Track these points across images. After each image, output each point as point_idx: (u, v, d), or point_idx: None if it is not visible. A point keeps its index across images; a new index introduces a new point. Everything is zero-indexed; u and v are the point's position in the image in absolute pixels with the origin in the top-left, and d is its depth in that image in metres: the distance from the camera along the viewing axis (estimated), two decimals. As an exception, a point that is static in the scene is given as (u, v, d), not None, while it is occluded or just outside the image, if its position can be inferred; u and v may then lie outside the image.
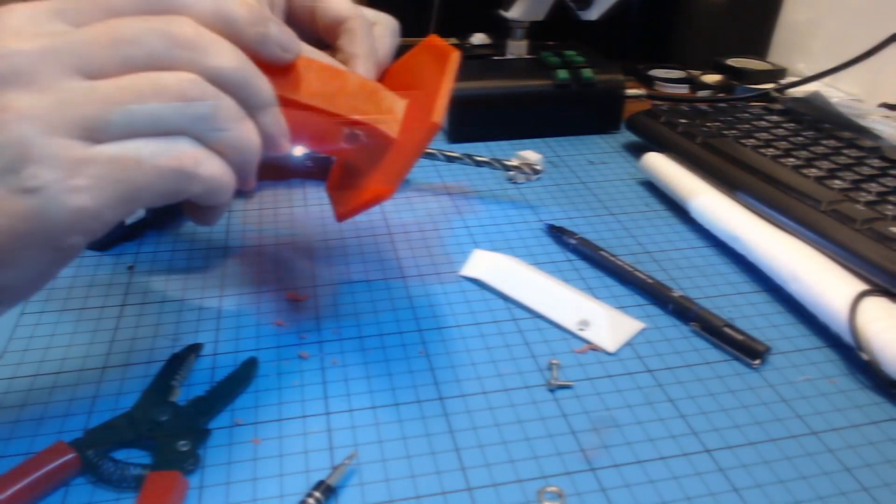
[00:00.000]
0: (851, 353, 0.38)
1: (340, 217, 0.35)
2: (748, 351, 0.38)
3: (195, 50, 0.25)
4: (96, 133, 0.23)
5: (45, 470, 0.29)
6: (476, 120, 0.64)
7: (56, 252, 0.25)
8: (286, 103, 0.30)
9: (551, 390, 0.36)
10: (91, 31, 0.24)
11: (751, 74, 0.78)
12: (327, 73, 0.32)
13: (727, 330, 0.39)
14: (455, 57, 0.33)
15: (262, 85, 0.27)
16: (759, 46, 0.87)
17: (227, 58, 0.26)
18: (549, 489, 0.30)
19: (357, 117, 0.32)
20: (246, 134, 0.27)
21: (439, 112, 0.30)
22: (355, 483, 0.30)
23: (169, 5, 0.26)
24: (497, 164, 0.55)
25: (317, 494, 0.29)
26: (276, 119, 0.29)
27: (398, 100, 0.34)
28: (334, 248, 0.48)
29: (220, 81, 0.26)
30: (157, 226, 0.49)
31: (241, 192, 0.37)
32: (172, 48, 0.25)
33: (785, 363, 0.38)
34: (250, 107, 0.27)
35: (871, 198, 0.46)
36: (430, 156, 0.55)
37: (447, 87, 0.32)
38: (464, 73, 0.64)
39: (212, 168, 0.26)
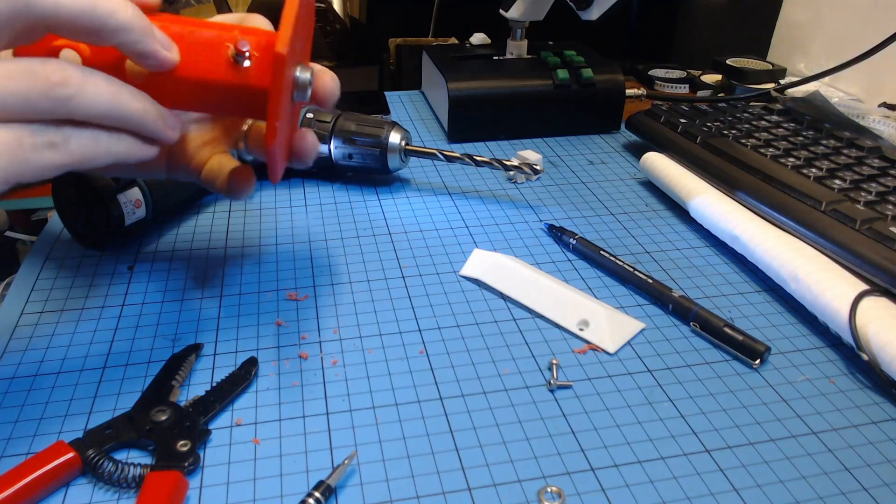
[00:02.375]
0: (851, 353, 0.38)
1: (272, 174, 0.33)
2: (748, 351, 0.38)
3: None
4: None
5: (45, 470, 0.29)
6: (476, 120, 0.64)
7: None
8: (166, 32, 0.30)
9: (551, 390, 0.36)
10: None
11: (751, 74, 0.78)
12: (201, 19, 0.32)
13: (727, 330, 0.39)
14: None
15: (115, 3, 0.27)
16: (759, 46, 0.87)
17: None
18: (549, 489, 0.30)
19: (239, 33, 0.31)
20: (107, 99, 0.27)
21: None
22: (355, 483, 0.30)
23: None
24: (497, 164, 0.55)
25: (317, 494, 0.29)
26: (144, 28, 0.28)
27: (273, 32, 0.33)
28: (334, 248, 0.48)
29: (67, 17, 0.26)
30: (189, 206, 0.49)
31: (238, 190, 0.36)
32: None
33: (785, 363, 0.38)
34: (123, 43, 0.27)
35: (871, 198, 0.46)
36: (430, 156, 0.55)
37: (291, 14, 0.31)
38: (464, 73, 0.64)
39: (82, 141, 0.27)
